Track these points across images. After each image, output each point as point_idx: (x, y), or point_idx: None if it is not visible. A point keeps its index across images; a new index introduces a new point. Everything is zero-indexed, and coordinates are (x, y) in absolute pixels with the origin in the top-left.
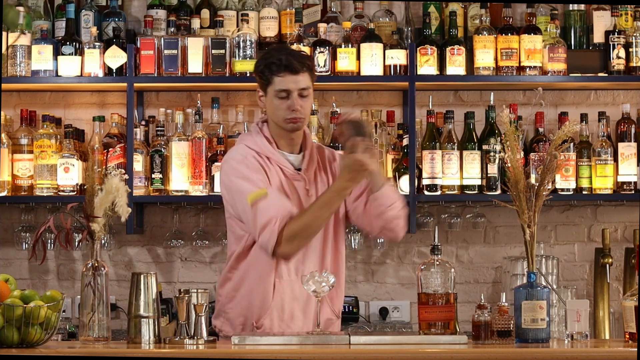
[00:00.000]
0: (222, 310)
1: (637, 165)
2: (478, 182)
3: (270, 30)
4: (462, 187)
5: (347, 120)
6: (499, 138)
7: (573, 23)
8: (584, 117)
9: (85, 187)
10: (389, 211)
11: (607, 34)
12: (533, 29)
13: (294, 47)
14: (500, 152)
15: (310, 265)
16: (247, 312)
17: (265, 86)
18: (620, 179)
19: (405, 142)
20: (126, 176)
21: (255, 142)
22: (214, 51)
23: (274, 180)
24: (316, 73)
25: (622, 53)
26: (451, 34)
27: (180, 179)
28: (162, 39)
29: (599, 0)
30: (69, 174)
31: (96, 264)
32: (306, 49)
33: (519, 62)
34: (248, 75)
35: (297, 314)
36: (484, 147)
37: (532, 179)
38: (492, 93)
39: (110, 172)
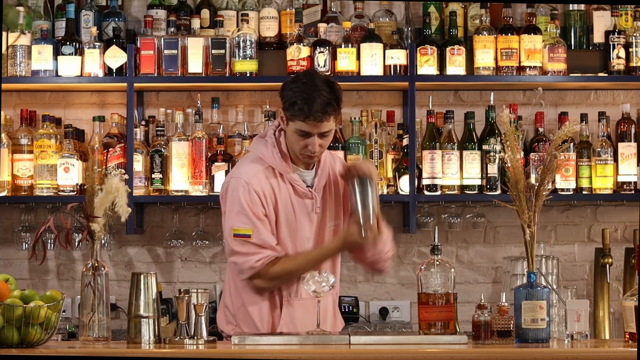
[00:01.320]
0: (233, 320)
1: (637, 165)
2: (478, 182)
3: (270, 30)
4: (462, 187)
5: (356, 175)
6: (499, 138)
7: (573, 23)
8: (584, 117)
9: (85, 187)
10: (381, 256)
11: (607, 34)
12: (533, 29)
13: (294, 48)
14: (500, 152)
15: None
16: (259, 323)
17: (287, 118)
18: (620, 179)
19: (405, 142)
20: (126, 176)
21: (271, 157)
22: (214, 51)
23: (283, 198)
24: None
25: (622, 53)
26: (451, 34)
27: (180, 179)
28: (162, 39)
29: (599, 0)
30: (69, 174)
31: (96, 264)
32: (306, 49)
33: (519, 62)
34: (248, 75)
35: (310, 325)
36: (484, 147)
37: (532, 179)
38: (492, 93)
39: (110, 172)
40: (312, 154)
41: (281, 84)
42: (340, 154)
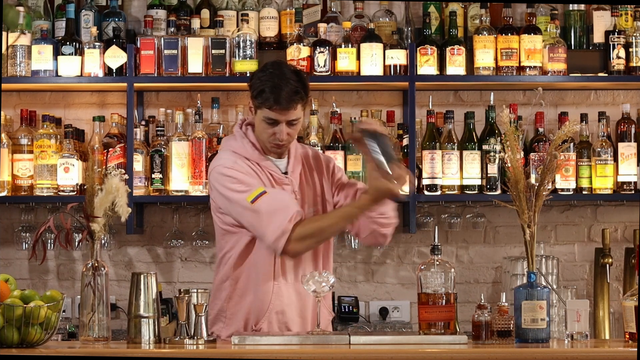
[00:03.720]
0: (222, 315)
1: (637, 165)
2: (478, 182)
3: (270, 30)
4: (462, 187)
5: (365, 129)
6: (499, 138)
7: (573, 23)
8: (584, 117)
9: (85, 187)
10: (382, 219)
11: (607, 34)
12: (533, 29)
13: (294, 48)
14: (500, 152)
15: (306, 266)
16: (247, 315)
17: (254, 105)
18: (620, 179)
19: (405, 142)
20: (126, 176)
21: (243, 148)
22: (214, 51)
23: (265, 184)
24: (316, 73)
25: (622, 53)
26: (451, 34)
27: (180, 179)
28: (162, 39)
29: (599, 0)
30: (69, 174)
31: (96, 264)
32: (306, 49)
33: (519, 62)
34: (248, 75)
35: (295, 317)
36: (484, 147)
37: (532, 179)
38: (492, 93)
39: (110, 172)
40: (280, 142)
41: None
42: (340, 154)
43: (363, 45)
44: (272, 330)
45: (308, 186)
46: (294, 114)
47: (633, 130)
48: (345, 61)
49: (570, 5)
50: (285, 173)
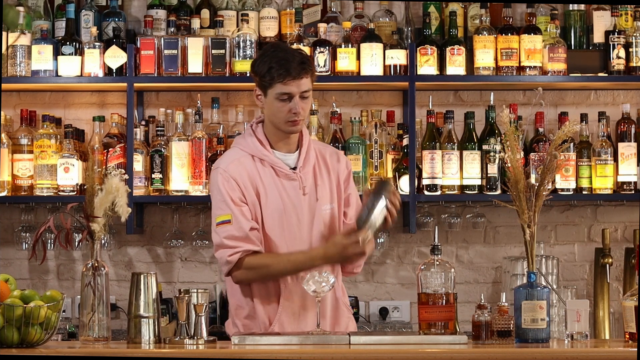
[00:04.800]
0: (235, 318)
1: (637, 165)
2: (478, 182)
3: (270, 30)
4: (462, 187)
5: (381, 183)
6: (499, 138)
7: (573, 23)
8: (584, 117)
9: (85, 187)
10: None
11: (607, 34)
12: (533, 29)
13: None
14: (500, 152)
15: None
16: (259, 318)
17: (264, 88)
18: (620, 179)
19: (405, 142)
20: (126, 176)
21: (247, 144)
22: (214, 51)
23: (266, 182)
24: (316, 73)
25: (622, 53)
26: (451, 34)
27: (180, 179)
28: (162, 39)
29: (599, 0)
30: (69, 174)
31: (96, 264)
32: (306, 49)
33: (519, 62)
34: (248, 75)
35: (310, 318)
36: (484, 147)
37: (532, 179)
38: (492, 93)
39: (110, 172)
40: (296, 117)
41: None
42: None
43: (363, 45)
44: (284, 331)
45: (322, 182)
46: (305, 85)
47: (633, 130)
48: (345, 61)
49: (570, 5)
50: (295, 168)
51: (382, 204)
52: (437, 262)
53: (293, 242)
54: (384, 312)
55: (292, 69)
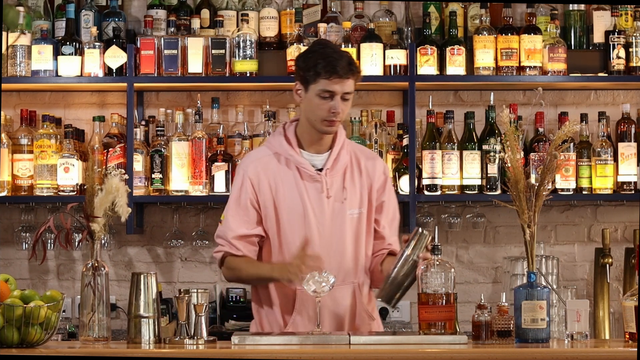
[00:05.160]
0: (256, 319)
1: (637, 165)
2: (478, 182)
3: (270, 30)
4: (462, 187)
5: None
6: (499, 138)
7: (573, 23)
8: (584, 117)
9: (85, 187)
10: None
11: (607, 34)
12: (533, 29)
13: (294, 48)
14: (500, 152)
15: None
16: (275, 320)
17: (307, 83)
18: (620, 179)
19: (405, 142)
20: (126, 176)
21: (274, 143)
22: (214, 51)
23: (287, 183)
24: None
25: (622, 53)
26: (451, 34)
27: (180, 179)
28: (162, 39)
29: (599, 0)
30: (69, 174)
31: (96, 264)
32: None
33: (519, 62)
34: (248, 75)
35: (326, 321)
36: (484, 147)
37: (532, 179)
38: (492, 93)
39: (110, 172)
40: (334, 117)
41: (281, 84)
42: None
43: (363, 45)
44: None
45: (352, 186)
46: (348, 86)
47: (633, 130)
48: None
49: (570, 5)
50: (322, 170)
51: (409, 257)
52: (437, 262)
53: (312, 246)
54: (384, 312)
55: (340, 68)
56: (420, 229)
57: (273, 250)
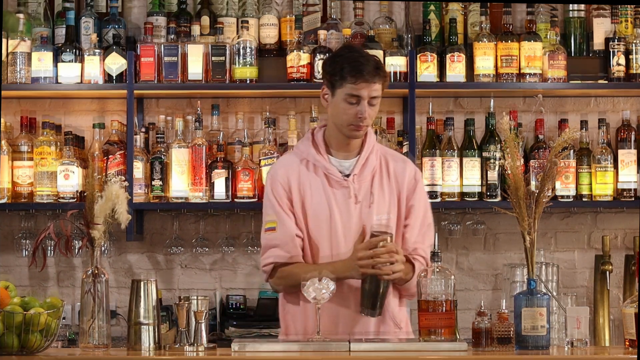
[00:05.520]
0: (284, 328)
1: (637, 172)
2: (478, 188)
3: (270, 37)
4: (462, 194)
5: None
6: (499, 145)
7: (573, 30)
8: (584, 124)
9: (85, 193)
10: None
11: (607, 40)
12: (533, 36)
13: (294, 54)
14: (500, 158)
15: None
16: (301, 327)
17: (333, 87)
18: (620, 185)
19: (405, 148)
20: (126, 183)
21: (302, 149)
22: (214, 58)
23: (314, 189)
24: (316, 81)
25: (622, 60)
26: (451, 40)
27: (180, 186)
28: (162, 45)
29: (600, 0)
30: (69, 181)
31: (96, 271)
32: (306, 56)
33: (519, 69)
34: (248, 81)
35: (350, 325)
36: (484, 153)
37: (532, 186)
38: (492, 99)
39: (110, 179)
40: (361, 122)
41: (281, 90)
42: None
43: None
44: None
45: (381, 191)
46: (375, 90)
47: (633, 137)
48: None
49: (570, 11)
50: (349, 175)
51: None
52: (437, 269)
53: (339, 253)
54: None
55: (366, 72)
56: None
57: (304, 253)
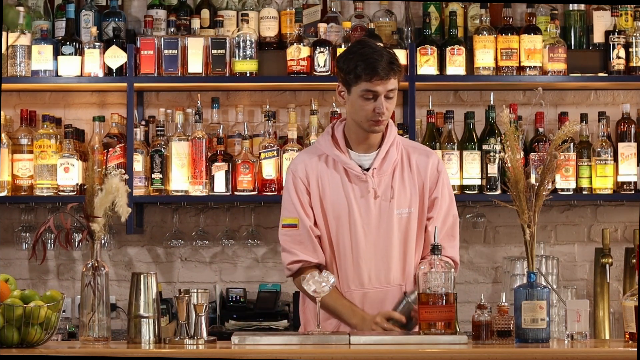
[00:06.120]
0: (304, 323)
1: (637, 165)
2: (478, 182)
3: (270, 30)
4: (462, 187)
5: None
6: (499, 138)
7: (573, 23)
8: (584, 117)
9: (85, 187)
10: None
11: (607, 34)
12: (533, 29)
13: (294, 48)
14: (500, 152)
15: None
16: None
17: (348, 85)
18: (620, 179)
19: None
20: (126, 176)
21: (322, 144)
22: (214, 51)
23: (333, 184)
24: (320, 74)
25: (622, 53)
26: (451, 34)
27: (180, 179)
28: (162, 39)
29: (599, 0)
30: (69, 174)
31: (96, 264)
32: (306, 49)
33: (519, 62)
34: (248, 75)
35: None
36: (484, 147)
37: (532, 179)
38: (492, 93)
39: (110, 172)
40: (380, 117)
41: (281, 84)
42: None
43: None
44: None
45: (402, 184)
46: (392, 84)
47: (633, 130)
48: None
49: (570, 5)
50: (369, 169)
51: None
52: (437, 262)
53: (358, 248)
54: None
55: (380, 69)
56: (405, 296)
57: (323, 250)
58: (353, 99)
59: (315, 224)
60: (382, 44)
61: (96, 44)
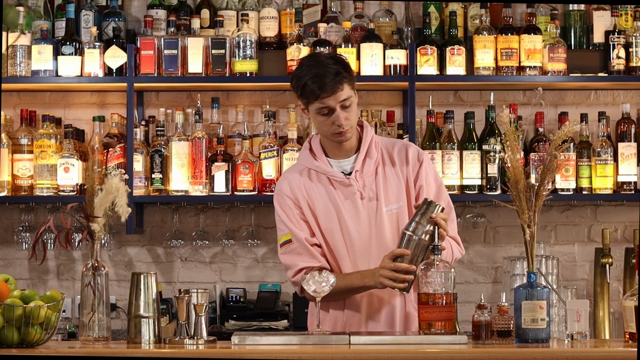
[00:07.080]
0: (310, 325)
1: (637, 165)
2: (478, 182)
3: (270, 30)
4: (462, 187)
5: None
6: (499, 138)
7: (573, 23)
8: (584, 117)
9: (85, 187)
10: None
11: (607, 34)
12: (533, 29)
13: (294, 48)
14: (500, 152)
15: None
16: (326, 326)
17: (305, 104)
18: (620, 179)
19: None
20: (126, 176)
21: (302, 158)
22: (214, 51)
23: (320, 195)
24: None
25: (622, 53)
26: (451, 34)
27: (180, 179)
28: (162, 39)
29: (599, 0)
30: (69, 174)
31: (96, 264)
32: (306, 49)
33: (519, 62)
34: (248, 75)
35: (376, 319)
36: (484, 147)
37: (532, 179)
38: (492, 93)
39: (110, 172)
40: (340, 128)
41: (281, 84)
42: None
43: (363, 45)
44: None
45: (387, 181)
46: (343, 94)
47: (633, 130)
48: None
49: (570, 5)
50: (351, 173)
51: (425, 224)
52: (437, 262)
53: (354, 249)
54: None
55: (327, 85)
56: (428, 200)
57: (325, 257)
58: (312, 116)
59: (313, 235)
60: (332, 52)
61: (96, 44)
